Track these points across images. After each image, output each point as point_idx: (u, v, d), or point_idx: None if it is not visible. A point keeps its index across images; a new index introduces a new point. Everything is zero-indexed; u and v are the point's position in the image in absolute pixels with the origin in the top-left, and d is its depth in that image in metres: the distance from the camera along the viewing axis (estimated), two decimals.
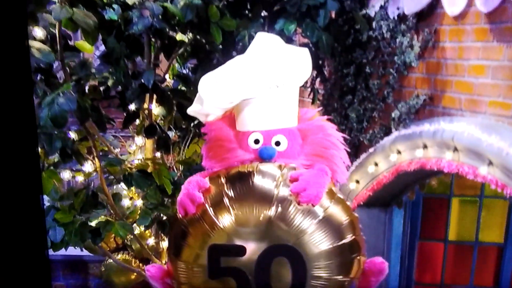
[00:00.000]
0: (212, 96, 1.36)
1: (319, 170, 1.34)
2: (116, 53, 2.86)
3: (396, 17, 3.17)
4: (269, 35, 1.40)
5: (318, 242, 1.26)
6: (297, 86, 1.44)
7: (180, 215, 1.34)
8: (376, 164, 3.38)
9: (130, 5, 2.82)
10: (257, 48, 1.40)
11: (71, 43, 2.85)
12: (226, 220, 1.28)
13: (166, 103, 2.92)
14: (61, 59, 2.74)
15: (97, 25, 2.61)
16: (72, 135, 2.92)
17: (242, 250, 1.26)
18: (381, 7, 3.29)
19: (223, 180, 1.33)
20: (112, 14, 2.93)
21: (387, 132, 3.37)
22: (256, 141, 1.39)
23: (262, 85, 1.35)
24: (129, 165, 3.09)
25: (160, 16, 2.63)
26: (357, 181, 3.61)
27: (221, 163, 1.41)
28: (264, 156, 1.36)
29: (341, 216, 1.32)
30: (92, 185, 3.51)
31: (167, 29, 2.90)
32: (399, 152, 3.12)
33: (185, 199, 1.33)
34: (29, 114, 0.97)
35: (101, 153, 3.17)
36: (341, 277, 1.30)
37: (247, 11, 2.90)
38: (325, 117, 1.49)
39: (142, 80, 2.79)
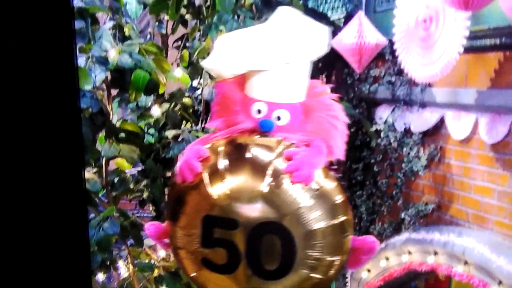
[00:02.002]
0: (222, 60, 1.38)
1: (315, 148, 1.34)
2: (153, 172, 3.12)
3: (403, 131, 3.50)
4: (290, 9, 1.41)
5: (310, 221, 1.25)
6: (310, 61, 1.43)
7: (178, 182, 1.35)
8: (387, 259, 3.67)
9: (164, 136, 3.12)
10: (275, 22, 1.40)
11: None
12: (220, 191, 1.27)
13: None
14: (105, 183, 2.99)
15: (139, 154, 2.88)
16: None
17: (234, 223, 1.26)
18: (387, 117, 3.63)
19: (221, 150, 1.33)
20: (149, 138, 3.21)
21: (396, 229, 3.67)
22: (259, 111, 1.38)
23: (272, 60, 1.36)
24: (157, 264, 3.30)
25: None
26: (369, 270, 3.88)
27: (223, 124, 1.43)
28: (262, 128, 1.36)
29: (334, 195, 1.31)
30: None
31: None
32: (410, 253, 3.42)
33: (184, 167, 1.33)
34: (83, 241, 1.04)
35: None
36: (331, 256, 1.29)
37: None
38: (335, 95, 1.46)
39: None
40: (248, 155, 1.31)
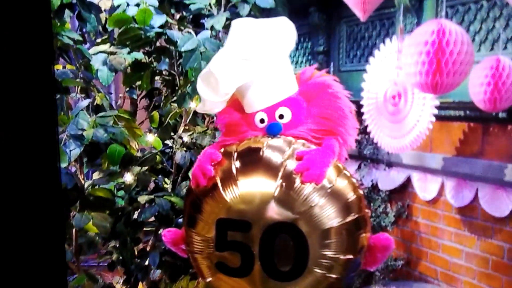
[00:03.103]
0: (208, 93, 1.40)
1: (326, 147, 1.36)
2: (123, 236, 3.09)
3: (370, 187, 3.59)
4: (243, 19, 1.45)
5: (322, 220, 1.26)
6: (286, 55, 1.45)
7: (192, 186, 1.37)
8: None
9: (135, 198, 3.09)
10: (236, 36, 1.42)
11: None
12: (233, 194, 1.29)
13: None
14: (75, 250, 2.93)
15: (111, 222, 2.86)
16: None
17: (247, 225, 1.27)
18: (354, 172, 3.72)
19: (233, 154, 1.35)
20: (120, 201, 3.18)
21: (366, 281, 3.74)
22: (262, 120, 1.41)
23: (250, 69, 1.37)
24: None
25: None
26: None
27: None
28: (271, 133, 1.39)
29: (346, 193, 1.32)
30: None
31: (173, 216, 3.16)
32: None
33: (198, 172, 1.35)
34: None
35: None
36: (345, 255, 1.29)
37: None
38: (324, 71, 1.49)
39: (148, 261, 3.02)
40: (260, 157, 1.32)
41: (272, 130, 1.40)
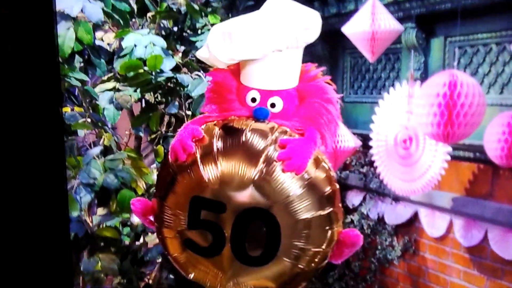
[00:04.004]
0: (217, 49, 1.37)
1: (309, 137, 1.35)
2: (129, 274, 3.09)
3: (376, 219, 3.59)
4: None
5: (298, 210, 1.25)
6: (302, 48, 1.44)
7: (171, 160, 1.35)
8: None
9: (139, 234, 3.11)
10: (267, 10, 1.40)
11: None
12: (211, 173, 1.28)
13: None
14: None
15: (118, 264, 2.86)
16: None
17: (222, 207, 1.26)
18: (360, 204, 3.72)
19: (216, 132, 1.33)
20: (126, 238, 3.18)
21: None
22: (253, 99, 1.40)
23: (266, 49, 1.36)
24: None
25: None
26: None
27: (218, 112, 1.43)
28: (257, 116, 1.38)
29: (324, 186, 1.30)
30: None
31: None
32: None
33: (178, 146, 1.33)
34: None
35: None
36: (315, 247, 1.29)
37: None
38: (328, 77, 1.47)
39: None
40: (242, 139, 1.30)
41: (260, 114, 1.37)
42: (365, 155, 3.57)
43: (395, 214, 3.44)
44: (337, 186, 1.37)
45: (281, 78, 1.41)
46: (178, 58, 3.02)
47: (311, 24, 1.42)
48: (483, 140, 2.30)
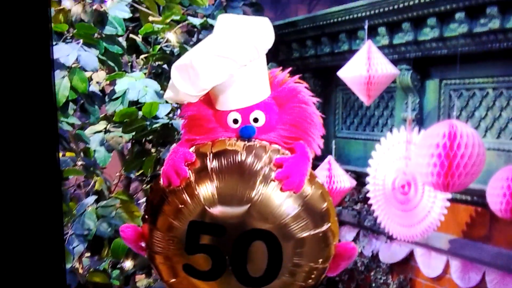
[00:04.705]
0: (185, 86, 1.36)
1: (302, 154, 1.35)
2: None
3: (370, 256, 3.57)
4: (229, 15, 1.43)
5: (298, 229, 1.25)
6: (264, 56, 1.44)
7: (163, 185, 1.33)
8: None
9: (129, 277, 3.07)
10: (219, 30, 1.40)
11: None
12: (208, 197, 1.26)
13: None
14: None
15: None
16: None
17: (221, 230, 1.25)
18: (353, 240, 3.69)
19: (209, 155, 1.32)
20: (115, 281, 3.13)
21: None
22: (235, 121, 1.38)
23: (231, 68, 1.35)
24: None
25: None
26: None
27: (200, 142, 1.41)
28: (244, 136, 1.36)
29: (321, 202, 1.30)
30: None
31: None
32: None
33: (170, 171, 1.32)
34: None
35: None
36: (315, 264, 1.29)
37: None
38: (296, 77, 1.47)
39: None
40: (237, 161, 1.28)
41: (246, 133, 1.36)
42: (359, 192, 3.55)
43: (390, 252, 3.42)
44: (331, 199, 1.36)
45: (254, 91, 1.41)
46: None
47: (265, 31, 1.42)
48: (486, 193, 2.29)
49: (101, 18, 2.79)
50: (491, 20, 2.38)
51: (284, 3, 4.61)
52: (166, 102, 2.84)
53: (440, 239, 3.03)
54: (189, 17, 3.05)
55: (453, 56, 2.59)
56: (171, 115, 2.86)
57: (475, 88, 2.78)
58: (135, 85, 2.82)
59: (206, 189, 1.26)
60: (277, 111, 1.41)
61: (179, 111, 3.03)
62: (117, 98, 2.84)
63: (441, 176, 2.28)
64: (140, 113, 2.76)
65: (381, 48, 2.83)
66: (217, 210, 1.25)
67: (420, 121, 3.05)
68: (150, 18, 2.96)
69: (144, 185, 3.39)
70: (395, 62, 2.84)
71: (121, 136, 2.92)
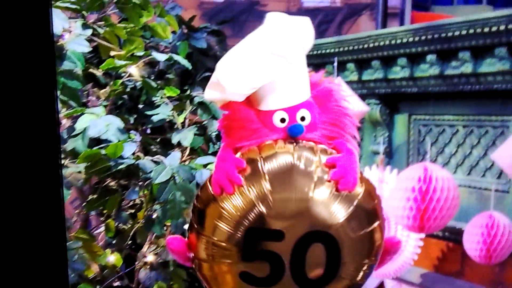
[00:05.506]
0: (234, 84, 1.33)
1: (349, 153, 1.33)
2: None
3: None
4: (279, 14, 1.41)
5: (353, 228, 1.25)
6: (304, 55, 1.42)
7: (214, 193, 1.31)
8: None
9: None
10: (270, 28, 1.38)
11: None
12: (264, 202, 1.24)
13: None
14: None
15: None
16: None
17: (280, 235, 1.23)
18: None
19: (260, 160, 1.30)
20: None
21: None
22: (282, 120, 1.35)
23: (281, 65, 1.34)
24: None
25: None
26: None
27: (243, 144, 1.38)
28: (294, 134, 1.33)
29: (370, 200, 1.30)
30: None
31: None
32: None
33: (223, 179, 1.30)
34: None
35: None
36: (370, 260, 1.29)
37: None
38: (330, 77, 1.51)
39: None
40: (290, 165, 1.27)
41: (296, 131, 1.32)
42: None
43: None
44: (379, 196, 1.34)
45: (300, 90, 1.38)
46: (137, 137, 2.86)
47: (308, 31, 1.38)
48: (463, 239, 2.28)
49: (58, 53, 2.65)
50: (463, 64, 2.38)
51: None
52: (130, 139, 2.72)
53: (412, 273, 3.01)
54: (153, 53, 2.93)
55: (424, 94, 2.57)
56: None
57: (445, 124, 2.78)
58: (97, 122, 2.68)
59: (261, 195, 1.24)
60: (318, 111, 1.38)
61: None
62: (77, 135, 2.70)
63: (417, 220, 2.26)
64: (103, 151, 2.62)
65: (349, 83, 2.80)
66: (274, 214, 1.23)
67: (390, 155, 3.03)
68: (112, 53, 2.82)
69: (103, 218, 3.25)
70: (364, 97, 2.81)
71: (80, 172, 2.77)
